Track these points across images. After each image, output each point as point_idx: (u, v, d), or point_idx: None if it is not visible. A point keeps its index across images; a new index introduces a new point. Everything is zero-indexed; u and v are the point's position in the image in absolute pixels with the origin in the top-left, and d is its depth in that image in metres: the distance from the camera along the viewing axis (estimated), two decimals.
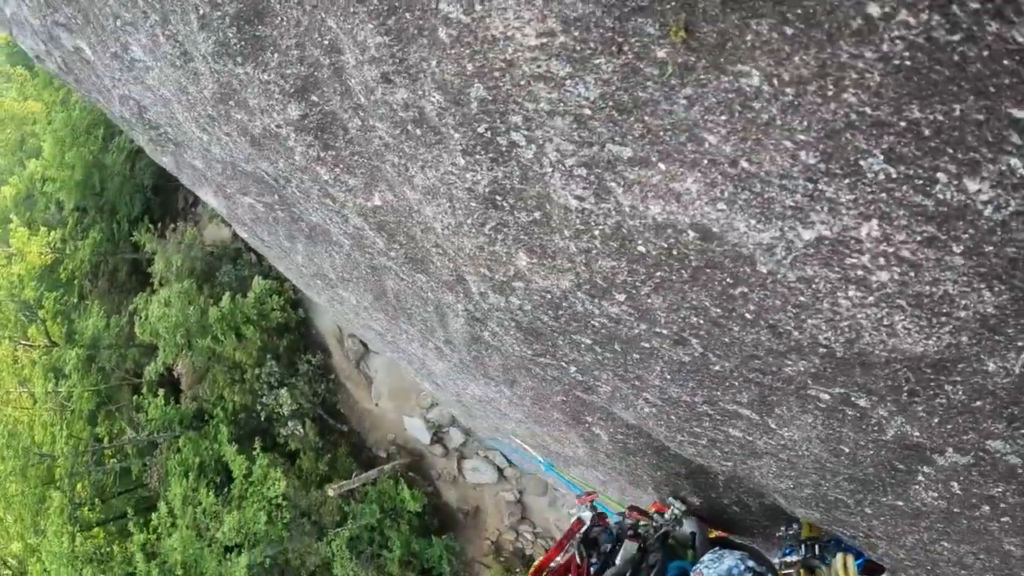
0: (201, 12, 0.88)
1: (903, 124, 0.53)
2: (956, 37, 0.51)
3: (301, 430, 6.90)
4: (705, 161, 0.61)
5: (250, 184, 1.54)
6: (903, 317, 0.62)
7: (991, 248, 0.56)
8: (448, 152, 0.81)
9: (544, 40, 0.63)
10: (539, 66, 0.66)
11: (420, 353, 2.32)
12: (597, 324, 0.92)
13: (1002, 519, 0.79)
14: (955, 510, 0.83)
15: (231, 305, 6.89)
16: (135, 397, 7.47)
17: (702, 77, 0.56)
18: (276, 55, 0.88)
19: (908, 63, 0.52)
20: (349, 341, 7.51)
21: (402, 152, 0.89)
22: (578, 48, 0.63)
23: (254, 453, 6.29)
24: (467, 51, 0.69)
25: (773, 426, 0.90)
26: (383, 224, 1.11)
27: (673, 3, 0.55)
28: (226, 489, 6.28)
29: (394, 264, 1.30)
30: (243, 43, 0.89)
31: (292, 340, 7.46)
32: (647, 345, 0.90)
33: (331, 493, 6.06)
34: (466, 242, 0.91)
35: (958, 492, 0.80)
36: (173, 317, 6.82)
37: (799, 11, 0.52)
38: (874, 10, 0.52)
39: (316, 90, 0.91)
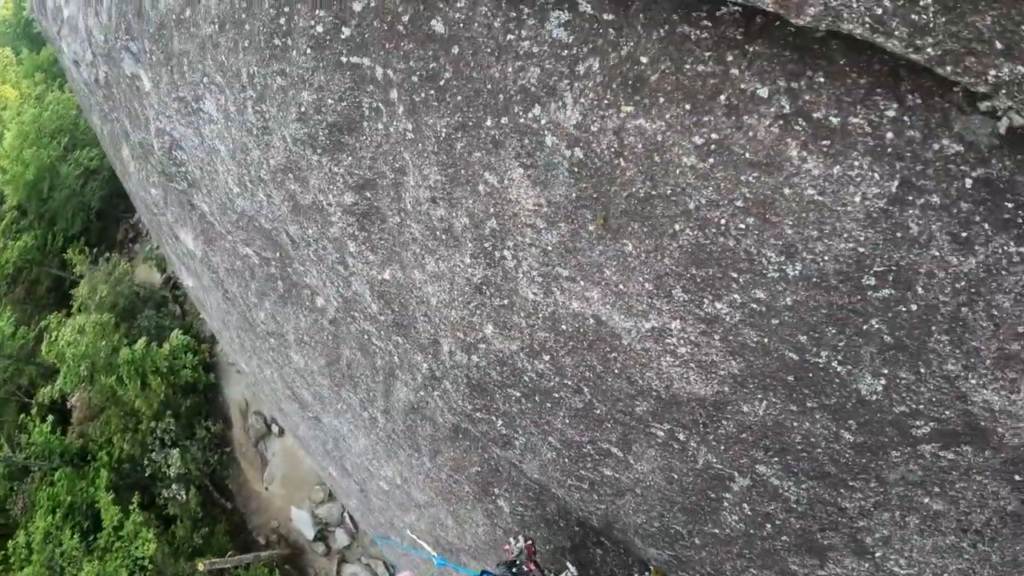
0: (303, 110, 1.22)
1: (691, 274, 0.91)
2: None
3: (184, 496, 6.65)
4: (603, 283, 1.01)
5: (258, 238, 1.82)
6: (693, 372, 0.99)
7: (732, 339, 0.94)
8: (460, 253, 1.17)
9: (536, 207, 1.01)
10: (530, 219, 1.03)
11: (346, 428, 2.53)
12: (527, 379, 1.35)
13: (782, 538, 1.12)
14: (751, 531, 1.18)
15: (144, 351, 6.86)
16: (21, 416, 7.06)
17: (607, 242, 0.94)
18: (351, 158, 1.23)
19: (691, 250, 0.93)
20: (253, 418, 7.47)
21: (425, 247, 1.24)
22: (552, 216, 1.00)
23: (130, 507, 6.02)
24: (493, 200, 1.05)
25: (632, 461, 1.33)
26: (384, 293, 1.43)
27: (600, 207, 0.93)
28: (92, 537, 5.93)
29: (374, 328, 1.59)
30: (328, 141, 1.23)
31: (196, 402, 7.37)
32: (557, 395, 1.33)
33: (201, 568, 5.78)
34: (453, 314, 1.26)
35: (748, 513, 1.15)
36: (83, 346, 6.69)
37: (648, 223, 0.90)
38: (679, 224, 0.91)
39: (373, 189, 1.25)
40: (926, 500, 0.99)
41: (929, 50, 0.65)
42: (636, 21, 0.83)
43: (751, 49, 0.78)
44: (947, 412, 0.88)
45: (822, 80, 0.76)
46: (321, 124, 1.22)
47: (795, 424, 0.99)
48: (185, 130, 1.75)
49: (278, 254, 1.79)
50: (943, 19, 0.62)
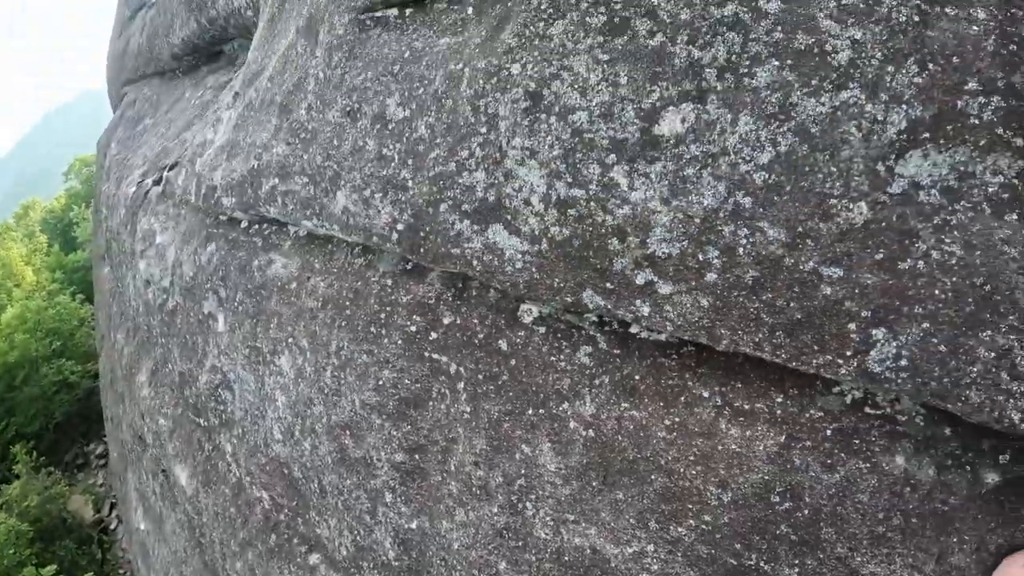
0: (381, 383, 1.73)
1: (661, 509, 1.37)
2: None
3: None
4: (600, 522, 1.44)
5: (279, 484, 2.17)
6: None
7: (691, 553, 1.35)
8: (490, 505, 1.60)
9: (557, 469, 1.50)
10: (551, 478, 1.51)
11: None
12: None
13: None
14: None
15: None
16: None
17: (605, 492, 1.42)
18: (411, 426, 1.72)
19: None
20: None
21: (459, 500, 1.66)
22: (567, 476, 1.49)
23: None
24: (525, 465, 1.55)
25: None
26: (407, 541, 1.78)
27: (602, 468, 1.44)
28: None
29: (379, 574, 1.89)
30: (395, 411, 1.73)
31: None
32: None
33: None
34: (472, 554, 1.62)
35: None
36: None
37: (634, 476, 1.40)
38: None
39: (423, 453, 1.73)
40: None
41: (782, 354, 1.27)
42: (633, 355, 1.45)
43: (699, 370, 1.39)
44: None
45: (739, 385, 1.35)
46: (394, 396, 1.73)
47: None
48: (246, 374, 2.19)
49: (295, 502, 2.13)
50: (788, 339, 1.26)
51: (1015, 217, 1.17)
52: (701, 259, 1.32)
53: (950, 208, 1.19)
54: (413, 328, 1.71)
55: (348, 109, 1.90)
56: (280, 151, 2.02)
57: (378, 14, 1.99)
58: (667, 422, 1.41)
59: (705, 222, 1.31)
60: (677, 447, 1.40)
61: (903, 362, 1.21)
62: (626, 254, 1.38)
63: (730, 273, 1.30)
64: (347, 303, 1.84)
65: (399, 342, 1.72)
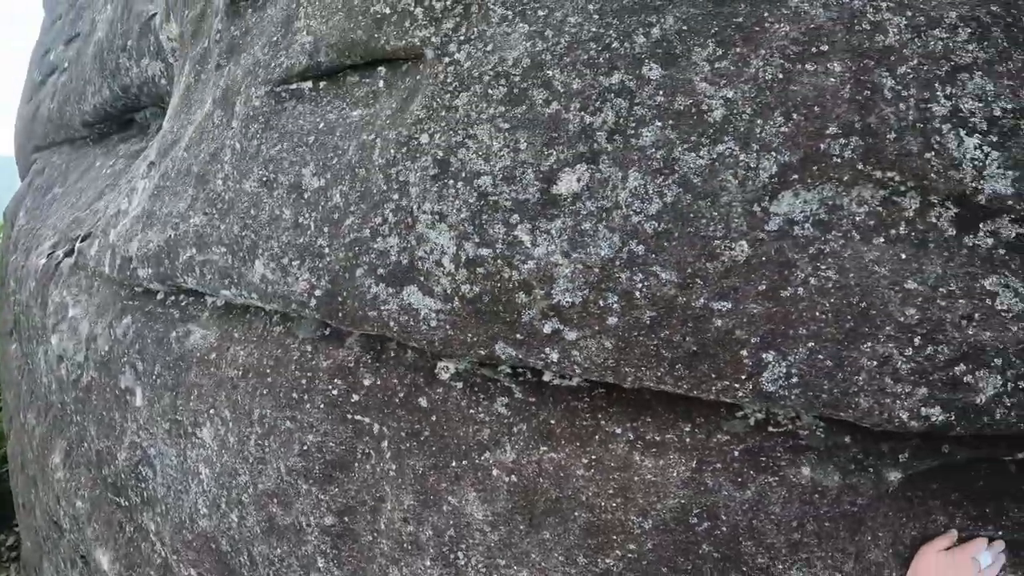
0: (306, 448, 1.76)
1: (587, 543, 1.44)
2: None
3: None
4: (530, 564, 1.49)
5: (208, 560, 2.12)
6: None
7: None
8: (422, 559, 1.63)
9: (484, 517, 1.56)
10: (479, 527, 1.57)
11: None
12: None
13: None
14: None
15: None
16: None
17: (532, 534, 1.48)
18: (338, 488, 1.74)
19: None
20: None
21: (392, 558, 1.68)
22: (495, 522, 1.54)
23: None
24: (453, 516, 1.59)
25: None
26: None
27: (527, 511, 1.51)
28: None
29: None
30: (321, 474, 1.75)
31: None
32: None
33: None
34: None
35: None
36: None
37: (558, 515, 1.47)
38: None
39: (352, 515, 1.74)
40: None
41: (684, 384, 1.37)
42: (548, 401, 1.53)
43: (610, 409, 1.48)
44: None
45: (649, 419, 1.44)
46: (319, 460, 1.75)
47: None
48: (167, 449, 2.15)
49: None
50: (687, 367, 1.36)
51: (882, 240, 1.33)
52: (602, 305, 1.42)
53: (823, 238, 1.34)
54: (335, 392, 1.74)
55: (264, 179, 1.96)
56: (197, 221, 2.04)
57: (293, 87, 2.07)
58: (584, 460, 1.48)
59: (603, 271, 1.42)
60: (596, 483, 1.47)
61: (794, 379, 1.34)
62: (533, 306, 1.47)
63: (629, 315, 1.41)
64: (268, 371, 1.86)
65: (321, 406, 1.75)
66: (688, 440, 1.46)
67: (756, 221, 1.38)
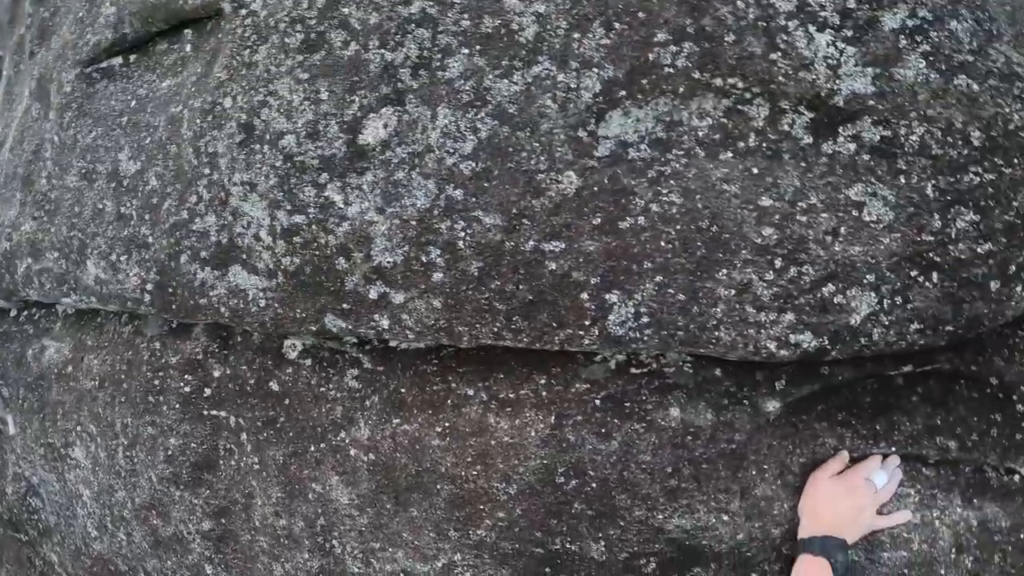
0: (170, 453, 1.65)
1: (455, 516, 1.36)
2: None
3: None
4: (404, 543, 1.42)
5: None
6: None
7: (497, 552, 1.36)
8: (300, 551, 1.55)
9: (350, 501, 1.47)
10: (347, 511, 1.48)
11: None
12: None
13: None
14: None
15: None
16: None
17: (400, 513, 1.41)
18: (209, 490, 1.64)
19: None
20: None
21: (272, 554, 1.60)
22: (361, 505, 1.46)
23: None
24: (320, 503, 1.50)
25: None
26: None
27: (391, 489, 1.41)
28: None
29: None
30: (190, 478, 1.65)
31: None
32: None
33: None
34: None
35: None
36: None
37: (421, 491, 1.38)
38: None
39: (227, 515, 1.65)
40: None
41: (524, 338, 1.26)
42: (396, 368, 1.42)
43: (460, 369, 1.37)
44: (657, 546, 1.29)
45: (502, 376, 1.34)
46: (185, 464, 1.64)
47: None
48: (48, 475, 2.03)
49: None
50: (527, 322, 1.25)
51: (730, 155, 1.21)
52: (425, 261, 1.30)
53: (662, 159, 1.22)
54: (187, 389, 1.62)
55: (84, 171, 1.79)
56: (28, 228, 1.88)
57: (103, 65, 1.89)
58: (438, 429, 1.38)
59: (422, 223, 1.30)
60: (453, 452, 1.37)
61: (644, 319, 1.23)
62: (354, 271, 1.34)
63: (455, 269, 1.29)
64: (122, 376, 1.74)
65: (177, 406, 1.64)
66: (544, 394, 1.35)
67: (583, 148, 1.25)
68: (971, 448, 1.30)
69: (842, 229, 1.17)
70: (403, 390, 1.42)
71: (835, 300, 1.17)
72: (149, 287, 1.61)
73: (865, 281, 1.16)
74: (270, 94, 1.44)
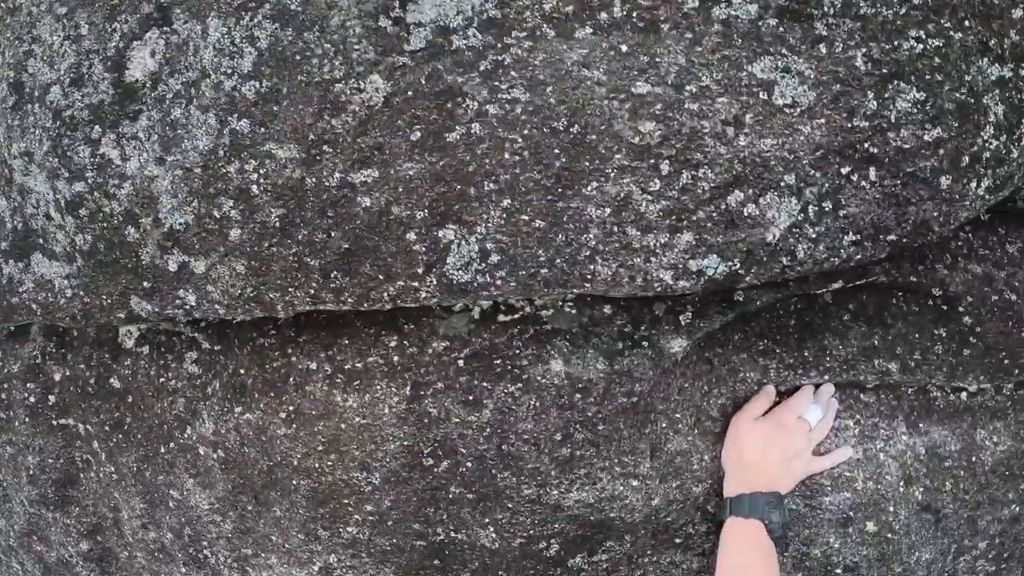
0: (32, 472, 1.46)
1: (320, 513, 1.15)
2: None
3: None
4: (275, 547, 1.25)
5: None
6: None
7: (374, 550, 1.14)
8: (176, 565, 1.37)
9: (210, 506, 1.26)
10: (209, 517, 1.27)
11: None
12: None
13: None
14: None
15: None
16: None
17: (264, 514, 1.20)
18: (78, 508, 1.46)
19: None
20: None
21: (152, 570, 1.42)
22: (222, 509, 1.25)
23: None
24: (182, 511, 1.30)
25: None
26: None
27: (248, 488, 1.20)
28: None
29: None
30: (57, 497, 1.46)
31: None
32: None
33: None
34: None
35: None
36: None
37: (278, 488, 1.17)
38: None
39: (101, 532, 1.47)
40: None
41: (348, 298, 1.01)
42: (234, 346, 1.19)
43: (301, 339, 1.14)
44: (556, 525, 1.08)
45: (346, 342, 1.11)
46: (48, 482, 1.45)
47: None
48: None
49: None
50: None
51: (589, 30, 0.93)
52: (218, 216, 1.05)
53: (498, 45, 0.94)
54: (32, 399, 1.43)
55: None
56: None
57: None
58: (282, 415, 1.15)
59: (207, 170, 1.04)
60: (302, 441, 1.14)
61: (494, 258, 0.97)
62: (147, 240, 1.10)
63: (252, 222, 1.03)
64: None
65: (27, 420, 1.44)
66: (396, 359, 1.11)
67: (389, 42, 0.97)
68: (914, 369, 1.09)
69: (747, 117, 0.90)
70: (242, 371, 1.19)
71: (744, 211, 0.92)
72: None
73: (782, 184, 0.90)
74: (34, 40, 1.19)
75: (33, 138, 1.17)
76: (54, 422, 1.42)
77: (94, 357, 1.36)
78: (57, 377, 1.41)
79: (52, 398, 1.42)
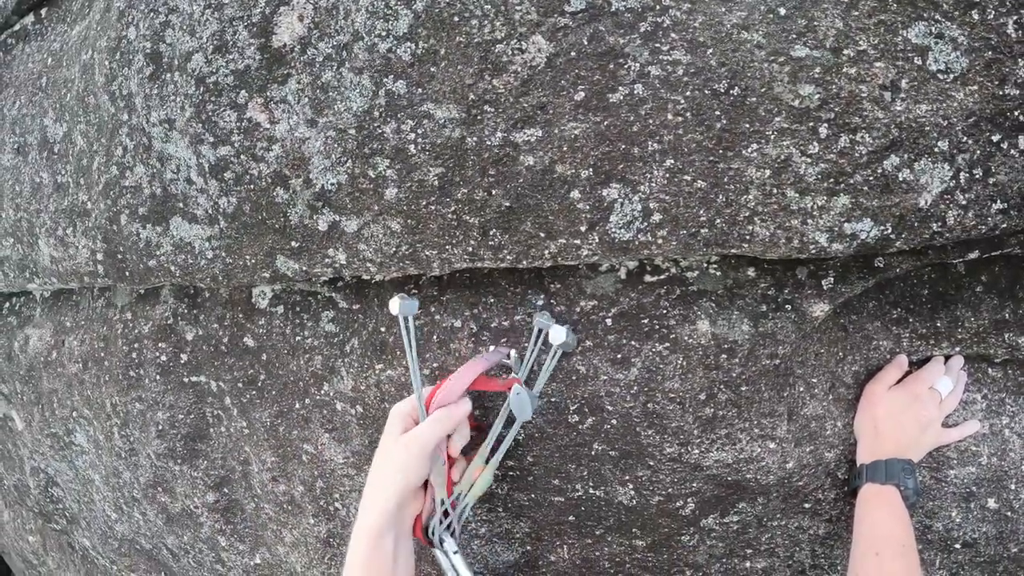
0: (161, 428, 1.45)
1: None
2: None
3: None
4: None
5: (141, 562, 1.89)
6: (497, 544, 1.15)
7: (512, 504, 1.12)
8: (305, 517, 1.35)
9: (345, 459, 1.24)
10: (344, 471, 1.25)
11: None
12: None
13: None
14: None
15: None
16: None
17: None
18: (206, 461, 1.44)
19: None
20: None
21: (280, 521, 1.41)
22: (357, 463, 1.23)
23: None
24: (315, 465, 1.28)
25: None
26: None
27: None
28: None
29: None
30: (185, 451, 1.45)
31: None
32: None
33: None
34: (315, 572, 1.38)
35: None
36: None
37: None
38: None
39: (229, 484, 1.45)
40: (747, 564, 1.09)
41: (507, 255, 0.98)
42: (373, 304, 1.17)
43: (444, 298, 1.11)
44: (695, 484, 1.03)
45: (492, 301, 1.07)
46: (177, 437, 1.44)
47: (597, 554, 1.10)
48: (60, 464, 1.89)
49: (163, 573, 1.86)
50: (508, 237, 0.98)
51: None
52: (373, 176, 1.02)
53: (656, 7, 0.90)
54: (164, 357, 1.41)
55: (17, 146, 1.54)
56: None
57: (16, 28, 1.61)
58: (425, 372, 1.14)
59: (362, 130, 1.01)
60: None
61: (656, 217, 0.93)
62: (297, 201, 1.07)
63: (410, 180, 1.00)
64: (102, 354, 1.53)
65: (158, 378, 1.43)
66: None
67: (551, 3, 0.91)
68: None
69: (903, 82, 0.83)
70: (383, 329, 1.17)
71: (900, 176, 0.85)
72: (99, 257, 1.37)
73: (936, 150, 0.84)
74: (171, 11, 1.14)
75: (174, 105, 1.14)
76: (186, 379, 1.41)
77: (227, 317, 1.34)
78: (189, 337, 1.39)
79: (184, 356, 1.40)
